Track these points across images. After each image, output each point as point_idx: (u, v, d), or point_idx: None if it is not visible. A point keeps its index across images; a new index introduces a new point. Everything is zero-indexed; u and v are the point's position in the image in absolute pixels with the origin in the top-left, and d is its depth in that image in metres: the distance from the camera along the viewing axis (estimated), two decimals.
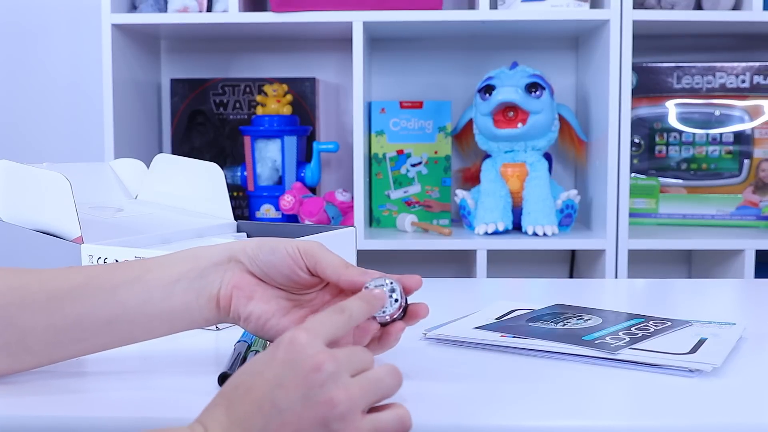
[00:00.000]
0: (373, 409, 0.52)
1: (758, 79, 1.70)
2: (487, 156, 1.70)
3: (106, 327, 0.63)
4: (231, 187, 1.73)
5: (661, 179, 1.76)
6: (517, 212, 1.65)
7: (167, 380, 0.65)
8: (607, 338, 0.72)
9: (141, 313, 0.63)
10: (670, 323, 0.78)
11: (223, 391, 0.53)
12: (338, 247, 1.00)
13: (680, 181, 1.76)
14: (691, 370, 0.65)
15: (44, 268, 0.65)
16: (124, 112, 1.65)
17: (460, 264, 1.87)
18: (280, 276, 0.64)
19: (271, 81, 1.81)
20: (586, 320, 0.79)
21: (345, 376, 0.51)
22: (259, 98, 1.77)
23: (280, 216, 1.73)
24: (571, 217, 1.67)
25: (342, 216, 1.70)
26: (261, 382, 0.51)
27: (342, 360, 0.51)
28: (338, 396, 0.50)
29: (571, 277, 1.89)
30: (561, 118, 1.70)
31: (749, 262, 1.58)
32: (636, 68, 1.72)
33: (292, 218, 1.68)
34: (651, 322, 0.78)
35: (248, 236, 1.08)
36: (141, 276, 0.63)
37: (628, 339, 0.72)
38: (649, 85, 1.74)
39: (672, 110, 1.75)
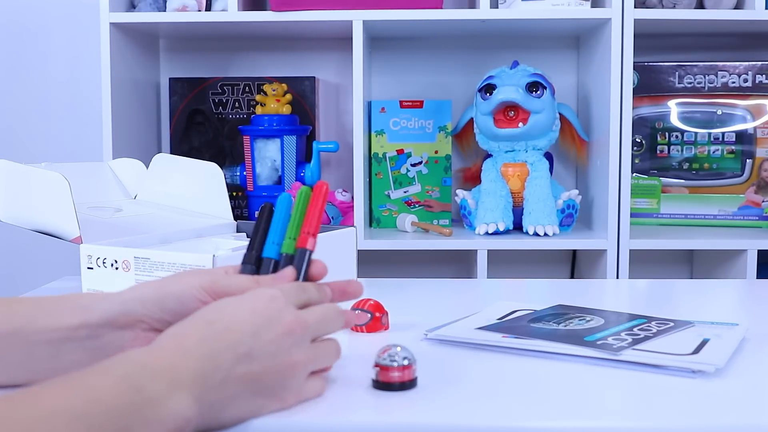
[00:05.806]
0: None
1: (760, 78, 1.70)
2: (488, 156, 1.69)
3: None
4: (230, 187, 1.73)
5: (663, 179, 1.75)
6: (517, 212, 1.64)
7: None
8: (610, 339, 0.72)
9: (23, 369, 0.60)
10: (672, 324, 0.77)
11: (193, 322, 0.55)
12: (338, 247, 0.99)
13: (682, 180, 1.75)
14: (693, 371, 0.65)
15: None
16: (123, 111, 1.65)
17: (460, 264, 1.86)
18: (186, 316, 0.59)
19: (270, 80, 1.80)
20: (588, 321, 0.79)
21: (307, 342, 0.59)
22: (258, 98, 1.76)
23: None
24: (572, 217, 1.66)
25: (342, 216, 1.69)
26: (239, 326, 0.55)
27: (311, 327, 0.59)
28: (299, 360, 0.57)
29: (572, 277, 1.88)
30: (562, 118, 1.69)
31: (751, 263, 1.57)
32: (637, 67, 1.71)
33: None
34: (653, 323, 0.78)
35: (247, 237, 1.07)
36: (22, 328, 0.59)
37: (630, 340, 0.71)
38: (650, 85, 1.74)
39: (674, 110, 1.74)
